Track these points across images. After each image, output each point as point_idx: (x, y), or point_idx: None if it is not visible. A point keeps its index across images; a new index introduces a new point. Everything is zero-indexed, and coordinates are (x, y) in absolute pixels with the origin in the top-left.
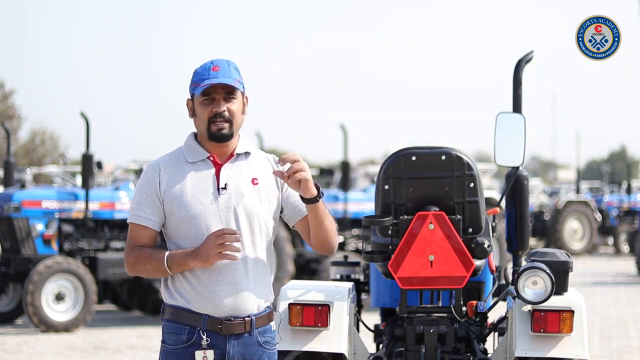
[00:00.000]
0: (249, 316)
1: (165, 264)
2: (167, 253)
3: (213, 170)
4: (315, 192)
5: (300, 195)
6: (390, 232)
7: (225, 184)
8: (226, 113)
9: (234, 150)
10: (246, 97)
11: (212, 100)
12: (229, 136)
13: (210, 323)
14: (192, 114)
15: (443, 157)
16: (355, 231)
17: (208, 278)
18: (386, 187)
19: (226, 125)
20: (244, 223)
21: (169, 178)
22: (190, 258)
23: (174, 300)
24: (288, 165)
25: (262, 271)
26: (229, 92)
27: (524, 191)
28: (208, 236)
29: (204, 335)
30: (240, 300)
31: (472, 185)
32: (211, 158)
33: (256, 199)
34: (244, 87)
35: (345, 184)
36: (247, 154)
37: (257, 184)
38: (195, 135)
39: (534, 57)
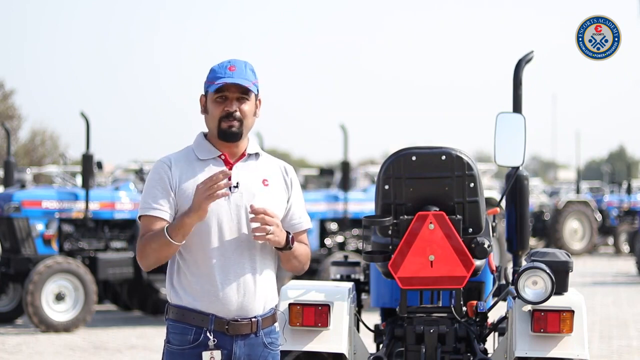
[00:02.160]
0: (255, 317)
1: (166, 233)
2: (166, 225)
3: (225, 169)
4: (283, 244)
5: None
6: (390, 232)
7: (237, 183)
8: (237, 113)
9: (245, 150)
10: (259, 100)
11: (225, 99)
12: (238, 135)
13: (217, 323)
14: (204, 110)
15: (443, 157)
16: (355, 231)
17: (217, 276)
18: (386, 187)
19: (236, 124)
20: (254, 223)
21: (180, 174)
22: (185, 215)
23: (180, 300)
24: (255, 224)
25: (268, 271)
26: (242, 92)
27: (524, 191)
28: (196, 187)
29: (211, 335)
30: (247, 301)
31: (472, 185)
32: (222, 157)
33: (266, 200)
34: (258, 90)
35: (345, 184)
36: (257, 154)
37: (267, 185)
38: (205, 135)
39: (534, 57)
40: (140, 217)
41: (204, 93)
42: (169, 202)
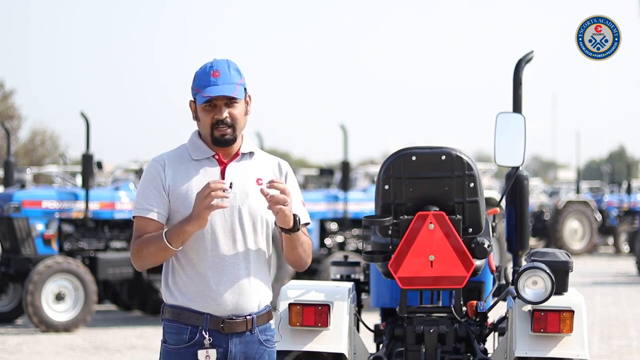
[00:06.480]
0: (250, 315)
1: (165, 239)
2: (164, 229)
3: (218, 168)
4: (291, 224)
5: (275, 222)
6: (390, 232)
7: (231, 183)
8: (228, 119)
9: (239, 149)
10: (249, 96)
11: (214, 107)
12: (232, 141)
13: (212, 322)
14: (195, 117)
15: (443, 157)
16: (355, 231)
17: (212, 277)
18: (386, 187)
19: (229, 130)
20: (247, 222)
21: (174, 174)
22: (186, 223)
23: (174, 299)
24: (274, 191)
25: (262, 270)
26: (230, 97)
27: (524, 191)
28: (196, 195)
29: (206, 334)
30: (242, 299)
31: (472, 185)
32: (216, 157)
33: (260, 199)
34: (245, 89)
35: (345, 184)
36: (251, 153)
37: (261, 184)
38: (200, 133)
39: (534, 57)
40: (134, 217)
41: (192, 99)
42: (162, 203)
